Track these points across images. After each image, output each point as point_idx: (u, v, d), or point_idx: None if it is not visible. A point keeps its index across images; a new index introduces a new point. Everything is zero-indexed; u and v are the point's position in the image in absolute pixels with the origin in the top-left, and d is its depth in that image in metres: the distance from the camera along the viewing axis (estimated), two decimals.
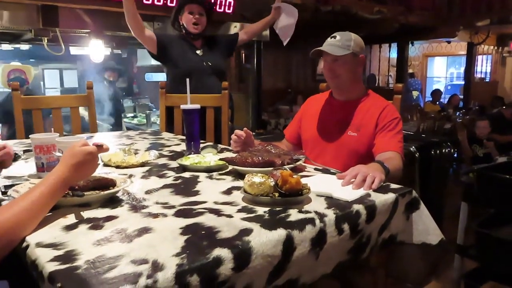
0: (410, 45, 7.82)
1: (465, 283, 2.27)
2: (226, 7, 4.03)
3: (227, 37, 3.18)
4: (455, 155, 4.52)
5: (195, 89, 2.66)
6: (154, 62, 6.33)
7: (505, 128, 4.85)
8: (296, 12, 2.95)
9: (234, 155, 1.61)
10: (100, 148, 1.16)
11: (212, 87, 2.76)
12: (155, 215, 1.08)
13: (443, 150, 3.21)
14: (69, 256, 0.84)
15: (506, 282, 2.14)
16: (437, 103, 8.20)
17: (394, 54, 8.29)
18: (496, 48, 9.19)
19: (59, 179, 1.05)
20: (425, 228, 1.30)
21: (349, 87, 1.90)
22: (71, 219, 1.06)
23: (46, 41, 3.49)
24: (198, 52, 2.81)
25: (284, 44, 2.98)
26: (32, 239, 0.93)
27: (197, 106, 1.87)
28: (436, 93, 8.26)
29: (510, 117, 5.13)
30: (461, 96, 8.84)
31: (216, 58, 2.84)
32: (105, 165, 1.66)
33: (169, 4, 3.66)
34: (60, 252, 0.86)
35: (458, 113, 7.00)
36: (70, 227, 1.00)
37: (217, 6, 3.96)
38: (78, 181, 1.14)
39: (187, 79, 1.98)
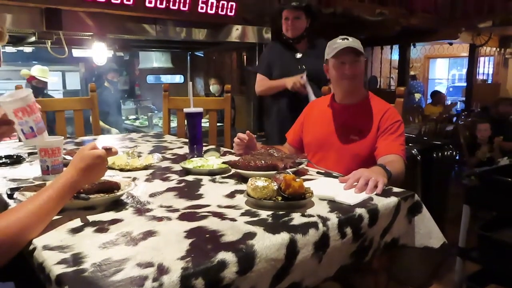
0: (412, 47, 7.81)
1: (467, 286, 2.27)
2: (228, 10, 4.04)
3: None
4: (457, 157, 4.52)
5: (288, 92, 2.67)
6: (156, 64, 6.40)
7: (507, 129, 4.82)
8: None
9: (236, 158, 1.62)
10: (109, 151, 1.18)
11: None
12: (160, 219, 1.09)
13: (445, 153, 3.21)
14: (75, 259, 0.85)
15: (508, 285, 2.15)
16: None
17: (395, 56, 8.29)
18: (498, 49, 9.17)
19: (68, 182, 1.06)
20: (427, 231, 1.31)
21: (359, 89, 1.91)
22: (76, 222, 1.07)
23: (49, 43, 3.50)
24: (297, 55, 2.77)
25: None
26: (39, 241, 0.94)
27: (200, 109, 1.88)
28: (436, 95, 8.23)
29: (503, 112, 5.11)
30: (463, 98, 8.83)
31: (314, 62, 2.69)
32: (109, 168, 1.67)
33: (171, 7, 3.67)
34: (67, 255, 0.87)
35: (459, 112, 7.00)
36: (76, 230, 1.01)
37: (219, 9, 3.97)
38: (87, 183, 1.15)
39: (189, 83, 2.00)
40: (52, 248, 0.91)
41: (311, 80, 2.70)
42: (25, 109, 1.27)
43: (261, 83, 2.85)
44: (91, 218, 1.10)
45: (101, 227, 1.03)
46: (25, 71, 4.53)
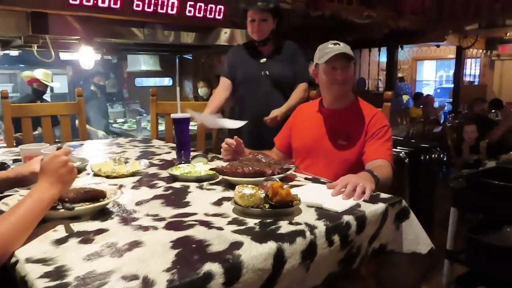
0: (399, 49, 7.87)
1: None
2: (216, 14, 4.03)
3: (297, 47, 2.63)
4: (445, 159, 4.55)
5: (250, 98, 2.49)
6: (144, 67, 6.37)
7: (488, 125, 4.88)
8: None
9: (224, 163, 1.61)
10: (60, 149, 1.17)
11: (267, 98, 2.46)
12: (146, 228, 1.07)
13: (433, 155, 3.23)
14: (59, 272, 0.84)
15: (496, 287, 2.16)
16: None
17: (383, 58, 8.35)
18: (484, 51, 9.29)
19: (43, 190, 1.06)
20: (415, 237, 1.32)
21: (348, 94, 1.90)
22: (61, 232, 1.05)
23: (35, 47, 3.47)
24: (261, 59, 2.53)
25: None
26: (21, 254, 0.93)
27: (188, 115, 1.87)
28: (419, 97, 8.25)
29: (480, 112, 5.17)
30: (451, 100, 8.92)
31: (278, 67, 2.50)
32: (95, 175, 1.65)
33: (159, 10, 3.65)
34: (50, 268, 0.86)
35: (448, 116, 7.06)
36: (60, 241, 0.99)
37: (207, 13, 3.96)
38: (64, 188, 1.13)
39: (177, 88, 1.98)
40: (35, 260, 0.89)
41: (276, 86, 2.50)
42: (31, 158, 1.40)
43: (218, 88, 2.60)
44: (75, 227, 1.08)
45: (86, 238, 1.01)
46: (27, 73, 4.42)
